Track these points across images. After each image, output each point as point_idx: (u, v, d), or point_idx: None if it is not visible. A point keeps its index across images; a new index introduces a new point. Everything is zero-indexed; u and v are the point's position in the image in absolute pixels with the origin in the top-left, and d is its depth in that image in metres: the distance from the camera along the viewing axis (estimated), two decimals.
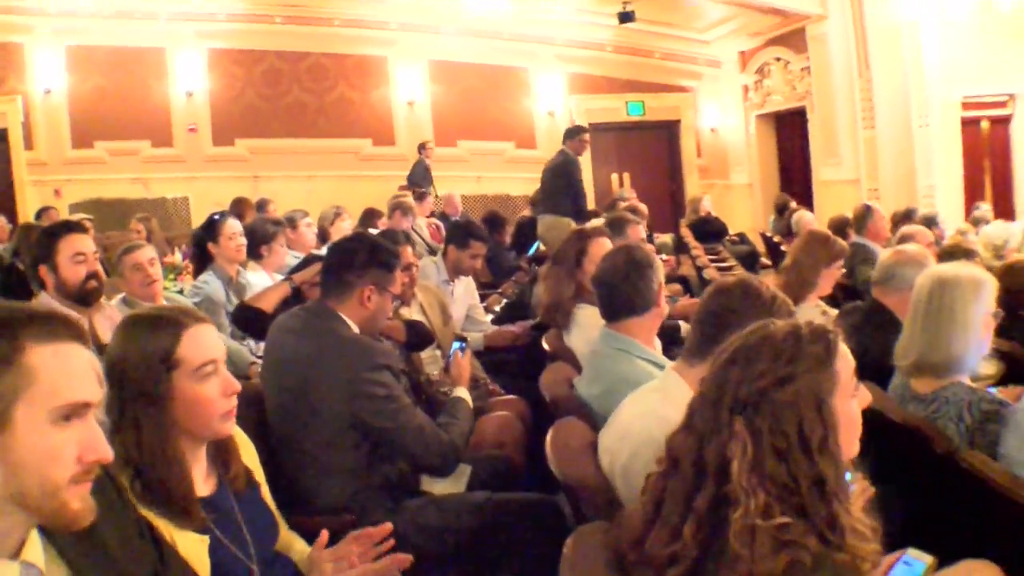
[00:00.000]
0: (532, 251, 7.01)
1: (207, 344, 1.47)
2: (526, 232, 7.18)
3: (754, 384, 1.19)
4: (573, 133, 6.92)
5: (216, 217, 3.92)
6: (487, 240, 4.30)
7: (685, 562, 1.17)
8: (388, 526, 1.63)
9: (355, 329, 2.23)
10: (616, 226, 3.99)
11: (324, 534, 1.62)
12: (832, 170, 9.78)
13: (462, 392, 2.51)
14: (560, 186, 6.67)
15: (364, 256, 2.26)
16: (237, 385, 1.50)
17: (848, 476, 1.68)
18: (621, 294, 2.29)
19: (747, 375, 1.20)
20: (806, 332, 1.23)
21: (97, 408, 1.00)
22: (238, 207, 6.18)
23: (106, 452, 0.98)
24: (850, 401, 1.22)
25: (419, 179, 9.47)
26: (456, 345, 2.76)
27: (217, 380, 1.46)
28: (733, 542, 1.13)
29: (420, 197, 8.04)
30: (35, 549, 0.97)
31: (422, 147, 9.92)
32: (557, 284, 3.12)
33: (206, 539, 1.41)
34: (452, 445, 2.21)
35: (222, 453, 1.55)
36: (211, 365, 1.46)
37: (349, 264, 2.26)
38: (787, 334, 1.23)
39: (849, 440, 1.22)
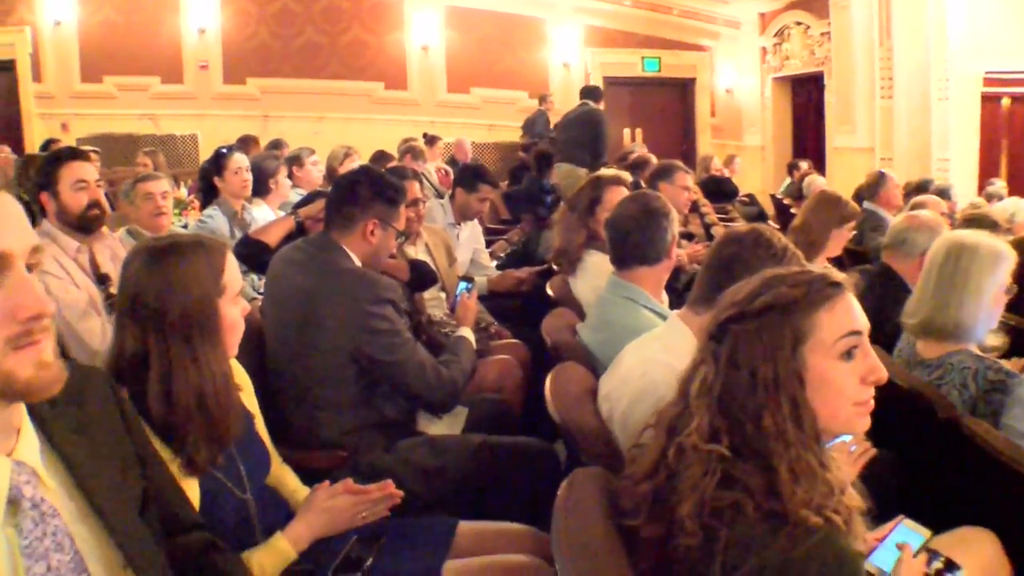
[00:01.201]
0: (549, 201, 6.98)
1: (236, 269, 1.47)
2: (543, 164, 7.12)
3: (726, 311, 1.18)
4: (597, 95, 6.99)
5: (223, 151, 3.89)
6: (496, 184, 4.27)
7: (655, 480, 1.17)
8: (388, 484, 1.63)
9: (358, 263, 2.21)
10: (666, 173, 3.97)
11: (325, 484, 1.63)
12: (846, 137, 9.63)
13: (466, 332, 2.50)
14: (581, 137, 6.68)
15: (368, 190, 2.24)
16: (248, 307, 1.51)
17: (846, 438, 1.64)
18: (633, 242, 2.26)
19: (726, 304, 1.19)
20: (796, 274, 1.19)
21: (21, 259, 0.84)
22: (245, 144, 6.12)
23: (42, 304, 0.83)
24: (835, 363, 1.13)
25: (541, 129, 9.24)
26: (463, 285, 2.74)
27: (240, 306, 1.47)
28: (673, 458, 1.15)
29: (431, 142, 7.95)
30: (29, 448, 0.89)
31: (543, 99, 9.77)
32: (568, 229, 3.09)
33: None
34: (452, 382, 2.21)
35: None
36: (239, 288, 1.47)
37: (353, 197, 2.23)
38: (778, 273, 1.20)
39: (832, 406, 1.13)
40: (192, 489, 1.36)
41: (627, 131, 11.17)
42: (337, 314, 2.07)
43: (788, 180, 8.98)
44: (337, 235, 2.23)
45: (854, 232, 3.49)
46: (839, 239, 3.26)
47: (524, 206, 6.79)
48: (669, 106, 11.80)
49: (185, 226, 4.20)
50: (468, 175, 4.21)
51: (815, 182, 7.35)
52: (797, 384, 1.12)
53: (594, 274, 2.82)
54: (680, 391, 1.22)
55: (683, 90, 11.77)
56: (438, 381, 2.17)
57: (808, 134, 10.81)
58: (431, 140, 8.08)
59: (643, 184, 4.06)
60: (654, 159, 6.22)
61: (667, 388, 1.47)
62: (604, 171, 3.79)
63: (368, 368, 2.11)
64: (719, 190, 8.35)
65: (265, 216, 3.95)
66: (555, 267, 3.66)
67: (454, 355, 2.32)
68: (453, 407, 2.29)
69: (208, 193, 3.96)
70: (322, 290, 2.10)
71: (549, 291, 3.06)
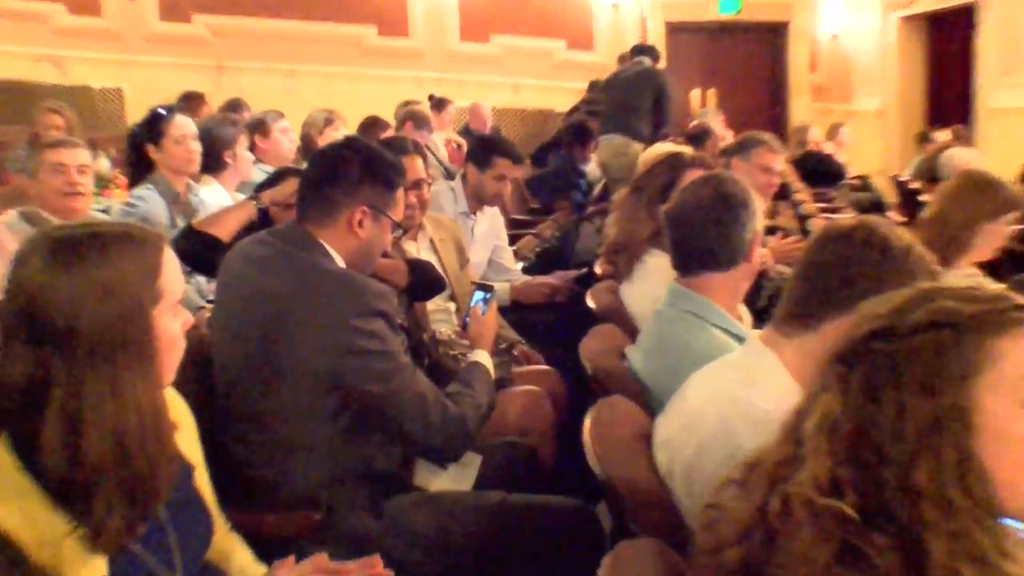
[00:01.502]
0: (584, 187, 7.01)
1: (178, 269, 1.47)
2: (580, 139, 7.14)
3: (867, 325, 1.17)
4: (655, 55, 7.15)
5: (161, 113, 3.92)
6: (517, 158, 4.31)
7: (747, 545, 1.16)
8: (375, 561, 1.64)
9: (340, 264, 2.23)
10: (742, 148, 3.99)
11: (289, 561, 1.65)
12: (1010, 95, 9.26)
13: (482, 356, 2.51)
14: (638, 101, 6.78)
15: (357, 168, 2.25)
16: (192, 319, 1.52)
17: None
18: (701, 239, 2.27)
19: (867, 316, 1.18)
20: (966, 290, 1.17)
21: None
22: (191, 103, 6.19)
23: None
24: (1020, 411, 1.10)
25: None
26: (479, 296, 2.77)
27: (182, 318, 1.48)
28: (773, 512, 1.13)
29: (439, 106, 8.02)
30: None
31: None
32: (631, 218, 3.12)
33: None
34: (461, 422, 2.21)
35: None
36: (180, 295, 1.48)
37: (336, 177, 2.24)
38: (938, 287, 1.19)
39: (1011, 472, 1.09)
40: (95, 573, 1.32)
41: (696, 93, 11.16)
42: (312, 330, 2.08)
43: (919, 156, 8.88)
44: (314, 226, 2.24)
45: (1018, 227, 3.41)
46: (991, 237, 3.18)
47: (552, 192, 6.83)
48: (753, 59, 11.80)
49: (105, 211, 4.21)
50: (480, 148, 4.26)
51: (956, 158, 7.27)
52: (965, 430, 1.09)
53: (656, 281, 2.81)
54: (788, 430, 1.21)
55: (772, 38, 11.76)
56: (443, 420, 2.17)
57: (949, 92, 10.60)
58: (439, 104, 8.15)
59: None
60: (720, 129, 6.23)
61: (750, 435, 1.49)
62: (671, 146, 3.80)
63: (351, 401, 2.12)
64: (819, 170, 8.29)
65: (217, 200, 3.98)
66: (599, 271, 3.66)
67: (465, 386, 2.33)
68: (461, 455, 2.29)
69: (139, 167, 3.96)
70: (293, 298, 2.11)
71: (590, 302, 3.08)
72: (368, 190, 2.25)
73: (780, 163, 4.12)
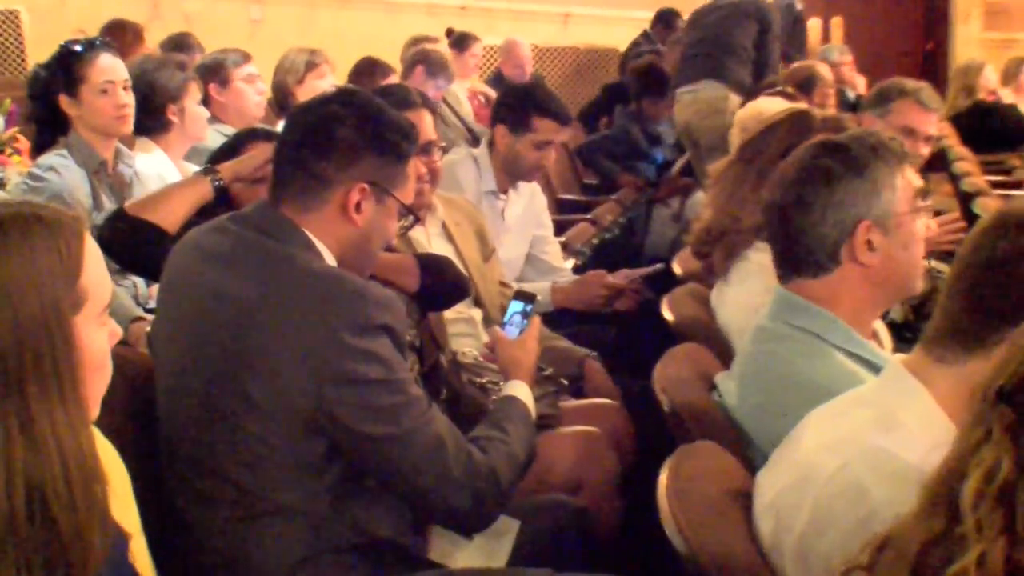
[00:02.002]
0: (660, 158, 7.00)
1: (102, 264, 1.50)
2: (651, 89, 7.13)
3: None
4: None
5: (76, 50, 3.87)
6: (565, 117, 4.28)
7: None
8: None
9: (330, 261, 2.25)
10: (878, 101, 3.99)
11: None
12: None
13: (519, 389, 2.50)
14: (735, 40, 6.74)
15: (353, 130, 2.26)
16: (120, 332, 1.55)
17: None
18: (810, 231, 2.27)
19: None
20: None
21: None
22: (122, 39, 6.15)
23: None
24: None
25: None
26: (516, 308, 2.78)
27: (108, 327, 1.51)
28: None
29: (460, 44, 8.00)
30: None
31: None
32: (733, 198, 3.11)
33: None
34: (492, 476, 2.21)
35: None
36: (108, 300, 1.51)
37: (324, 144, 2.25)
38: None
39: None
40: None
41: (815, 23, 11.09)
42: (290, 351, 2.10)
43: None
44: (294, 210, 2.25)
45: None
46: None
47: (613, 163, 6.82)
48: None
49: (0, 184, 4.24)
50: (513, 101, 4.25)
51: None
52: None
53: (760, 285, 2.80)
54: (936, 495, 1.22)
55: None
56: (468, 473, 2.18)
57: None
58: (461, 41, 8.13)
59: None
60: (848, 75, 6.17)
61: (888, 498, 1.50)
62: (781, 101, 3.79)
63: (342, 448, 2.14)
64: (993, 128, 8.22)
65: (158, 172, 4.03)
66: (679, 270, 3.65)
67: (497, 428, 2.34)
68: (492, 521, 2.29)
69: (47, 126, 3.95)
70: (264, 307, 2.14)
71: (667, 313, 3.06)
72: (368, 161, 2.26)
73: (933, 123, 4.09)
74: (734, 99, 6.38)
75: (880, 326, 2.49)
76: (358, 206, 2.25)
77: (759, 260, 2.96)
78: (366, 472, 2.18)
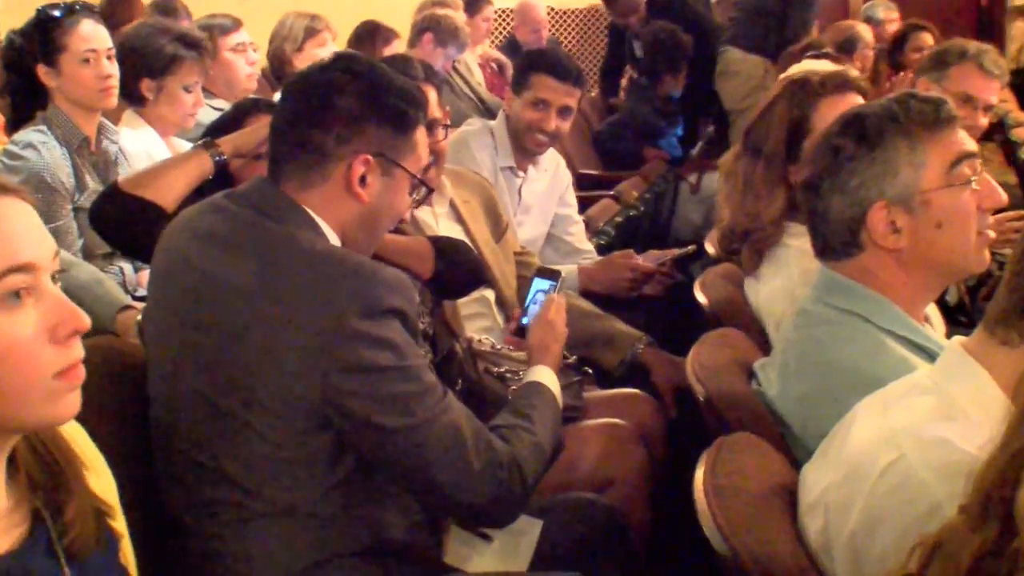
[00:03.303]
0: (679, 132, 6.99)
1: (19, 232, 1.45)
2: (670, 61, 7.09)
3: None
4: None
5: (55, 15, 3.84)
6: (579, 80, 4.25)
7: None
8: None
9: (334, 240, 2.25)
10: (939, 63, 3.99)
11: None
12: None
13: (544, 375, 2.50)
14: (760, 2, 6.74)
15: (355, 99, 2.25)
16: (82, 320, 1.47)
17: None
18: (824, 215, 2.31)
19: None
20: None
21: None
22: (120, 8, 6.14)
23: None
24: None
25: None
26: (540, 286, 2.79)
27: (39, 308, 1.45)
28: None
29: (473, 8, 7.97)
30: None
31: None
32: (746, 191, 3.06)
33: None
34: (515, 469, 2.20)
35: (47, 477, 1.53)
36: (23, 274, 1.43)
37: (325, 114, 2.25)
38: None
39: None
40: None
41: None
42: (295, 337, 2.09)
43: None
44: (294, 187, 2.25)
45: None
46: None
47: (633, 138, 6.78)
48: None
49: None
50: (521, 62, 4.30)
51: None
52: None
53: (802, 271, 2.79)
54: (985, 496, 1.22)
55: None
56: (489, 466, 2.17)
57: None
58: (472, 4, 8.11)
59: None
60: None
61: (949, 494, 1.46)
62: (810, 64, 3.74)
63: (351, 442, 2.14)
64: None
65: (147, 149, 4.03)
66: (711, 249, 3.63)
67: (520, 417, 2.33)
68: (516, 517, 2.30)
69: (24, 99, 3.94)
70: (266, 291, 2.13)
71: (700, 295, 3.07)
72: (372, 131, 2.25)
73: (995, 91, 4.05)
74: (753, 59, 6.41)
75: (932, 308, 2.49)
76: (363, 180, 2.25)
77: (796, 245, 2.95)
78: (378, 467, 2.18)
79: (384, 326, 2.12)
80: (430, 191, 2.81)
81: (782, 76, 4.22)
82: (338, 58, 2.47)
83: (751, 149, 3.14)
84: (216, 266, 2.20)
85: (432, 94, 3.24)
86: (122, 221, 2.77)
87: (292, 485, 2.13)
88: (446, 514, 2.30)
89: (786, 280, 2.91)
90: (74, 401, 1.46)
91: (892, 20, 7.56)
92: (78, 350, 1.45)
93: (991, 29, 10.32)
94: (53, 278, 1.44)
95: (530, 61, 4.21)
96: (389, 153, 2.27)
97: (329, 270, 2.15)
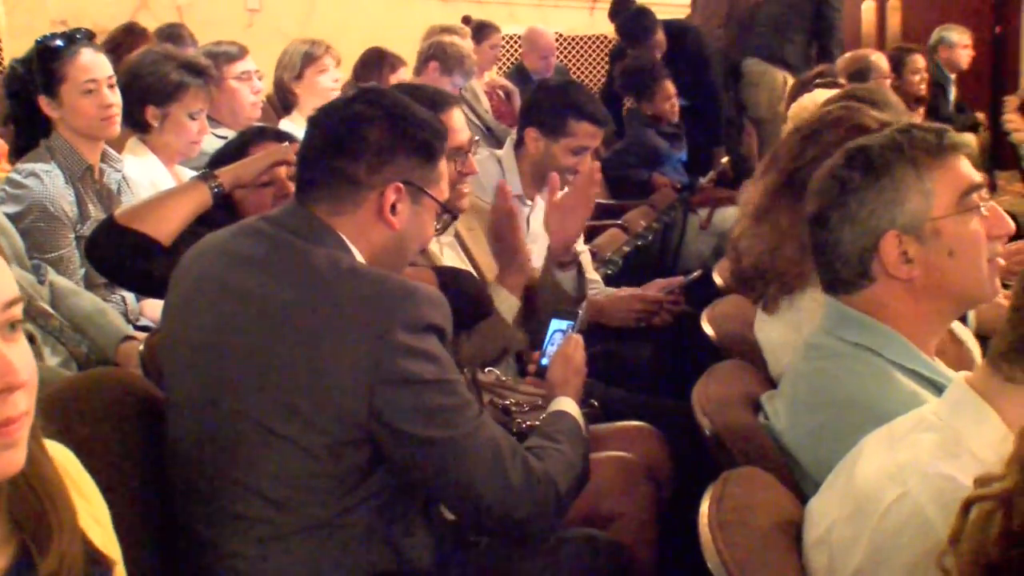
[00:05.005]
0: (683, 157, 7.00)
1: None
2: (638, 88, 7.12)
3: None
4: None
5: (55, 45, 3.83)
6: (603, 119, 4.23)
7: None
8: None
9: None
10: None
11: None
12: None
13: (567, 405, 2.57)
14: (787, 17, 6.82)
15: (384, 130, 2.33)
16: (16, 375, 1.37)
17: None
18: (833, 248, 2.30)
19: None
20: None
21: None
22: (130, 40, 6.03)
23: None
24: None
25: None
26: (559, 326, 2.84)
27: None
28: None
29: (479, 34, 7.96)
30: None
31: None
32: (771, 230, 2.86)
33: None
34: (550, 483, 2.25)
35: (31, 519, 1.48)
36: None
37: (354, 145, 2.32)
38: None
39: None
40: None
41: (869, 6, 11.05)
42: (338, 352, 2.15)
43: None
44: (325, 212, 2.33)
45: None
46: None
47: (638, 164, 6.77)
48: None
49: None
50: (547, 102, 4.19)
51: None
52: None
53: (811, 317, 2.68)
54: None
55: None
56: (528, 480, 2.22)
57: None
58: (478, 31, 8.08)
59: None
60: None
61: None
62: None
63: (392, 455, 2.19)
64: None
65: (152, 178, 4.05)
66: (719, 280, 3.63)
67: (550, 439, 2.39)
68: (554, 529, 2.36)
69: (26, 128, 3.94)
70: (307, 309, 2.19)
71: (708, 327, 3.07)
72: (401, 161, 2.33)
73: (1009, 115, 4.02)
74: (777, 73, 6.46)
75: (968, 335, 2.48)
76: (394, 208, 2.32)
77: (811, 301, 2.78)
78: (414, 483, 2.23)
79: (426, 340, 2.19)
80: (454, 218, 2.85)
81: (794, 107, 4.25)
82: (362, 91, 2.55)
83: (798, 191, 3.01)
84: (257, 287, 2.25)
85: (459, 115, 3.29)
86: (117, 254, 2.82)
87: (324, 500, 2.17)
88: (485, 528, 2.34)
89: (799, 324, 2.77)
90: (12, 458, 1.39)
91: (965, 45, 7.56)
92: (11, 407, 1.36)
93: (1004, 57, 10.31)
94: (12, 326, 1.38)
95: (568, 105, 4.10)
96: (418, 182, 2.35)
97: (372, 287, 2.22)
